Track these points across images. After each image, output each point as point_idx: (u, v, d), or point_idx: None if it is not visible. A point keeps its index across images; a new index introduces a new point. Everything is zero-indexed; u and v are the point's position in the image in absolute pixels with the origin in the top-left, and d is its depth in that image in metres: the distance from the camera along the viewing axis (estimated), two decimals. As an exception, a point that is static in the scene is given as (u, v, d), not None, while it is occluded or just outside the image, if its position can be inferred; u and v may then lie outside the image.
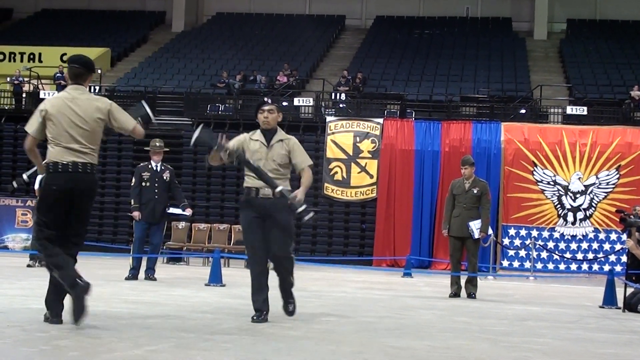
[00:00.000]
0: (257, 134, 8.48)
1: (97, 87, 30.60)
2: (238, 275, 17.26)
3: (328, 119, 27.00)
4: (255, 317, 8.23)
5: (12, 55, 35.79)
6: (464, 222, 13.25)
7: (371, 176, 26.28)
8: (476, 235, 13.24)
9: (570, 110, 27.32)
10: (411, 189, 25.89)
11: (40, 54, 35.67)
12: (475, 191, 13.40)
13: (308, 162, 8.55)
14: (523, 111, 28.05)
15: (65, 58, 34.43)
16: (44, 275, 13.85)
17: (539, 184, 25.31)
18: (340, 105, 28.93)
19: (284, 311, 8.76)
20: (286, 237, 8.42)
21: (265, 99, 8.59)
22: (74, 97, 7.29)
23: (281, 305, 8.78)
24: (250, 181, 8.35)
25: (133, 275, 14.13)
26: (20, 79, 30.83)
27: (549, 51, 37.49)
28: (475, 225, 13.17)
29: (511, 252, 25.06)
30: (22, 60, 35.21)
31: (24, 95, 30.69)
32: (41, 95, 29.71)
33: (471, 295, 13.26)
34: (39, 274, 14.58)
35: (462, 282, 13.52)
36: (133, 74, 34.76)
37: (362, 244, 26.73)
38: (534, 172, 25.29)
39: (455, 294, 13.35)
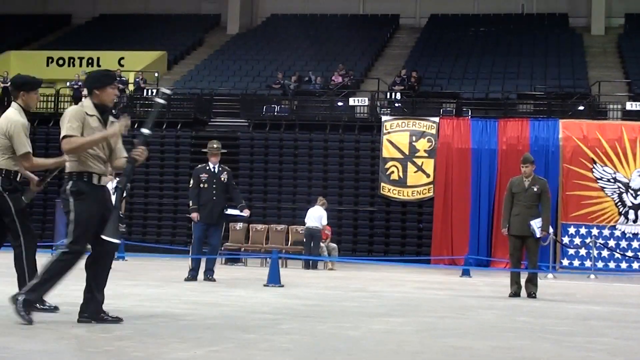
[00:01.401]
0: (91, 109, 7.34)
1: (155, 90, 30.88)
2: (296, 276, 17.32)
3: (384, 118, 26.96)
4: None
5: (72, 60, 36.29)
6: (524, 220, 13.12)
7: (428, 175, 26.20)
8: (538, 234, 13.10)
9: (630, 106, 26.99)
10: (468, 187, 25.77)
11: (98, 59, 36.14)
12: (535, 189, 13.27)
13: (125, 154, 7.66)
14: (581, 108, 27.76)
15: (123, 62, 34.88)
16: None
17: (598, 181, 25.02)
18: (396, 105, 28.89)
19: (97, 311, 7.57)
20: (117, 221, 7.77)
21: (116, 72, 7.75)
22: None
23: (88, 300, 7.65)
24: (95, 166, 7.33)
25: (192, 276, 14.20)
26: (80, 83, 31.21)
27: (607, 46, 37.01)
28: (536, 224, 13.03)
29: (571, 251, 24.80)
30: (81, 65, 35.67)
31: (83, 99, 31.03)
32: (100, 99, 30.02)
33: (531, 294, 13.12)
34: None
35: (522, 281, 13.39)
36: (189, 76, 35.03)
37: (419, 244, 26.66)
38: (594, 170, 25.01)
39: (515, 294, 13.23)
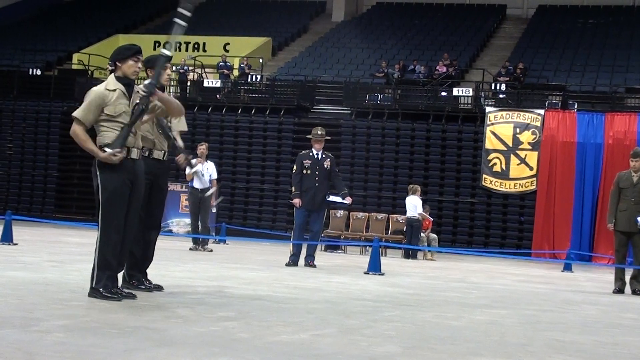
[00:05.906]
0: (113, 83, 7.33)
1: (259, 76, 31.16)
2: (396, 265, 17.32)
3: (487, 109, 26.73)
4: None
5: (178, 45, 36.83)
6: (631, 216, 12.87)
7: (531, 168, 25.90)
8: (644, 231, 12.86)
9: None
10: (572, 181, 25.40)
11: (204, 43, 36.60)
12: (644, 184, 13.01)
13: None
14: (691, 104, 27.07)
15: (228, 47, 35.25)
16: (207, 259, 14.27)
17: None
18: (500, 96, 28.59)
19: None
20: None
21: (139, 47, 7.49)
22: None
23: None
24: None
25: (293, 261, 14.33)
26: (186, 67, 31.70)
27: None
28: (643, 220, 12.79)
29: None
30: (187, 50, 36.18)
31: (188, 83, 31.53)
32: (205, 84, 30.48)
33: (636, 291, 12.88)
34: (202, 257, 15.00)
35: (627, 278, 13.15)
36: (293, 63, 35.23)
37: (520, 237, 26.41)
38: (703, 167, 24.32)
39: (620, 290, 13.01)
